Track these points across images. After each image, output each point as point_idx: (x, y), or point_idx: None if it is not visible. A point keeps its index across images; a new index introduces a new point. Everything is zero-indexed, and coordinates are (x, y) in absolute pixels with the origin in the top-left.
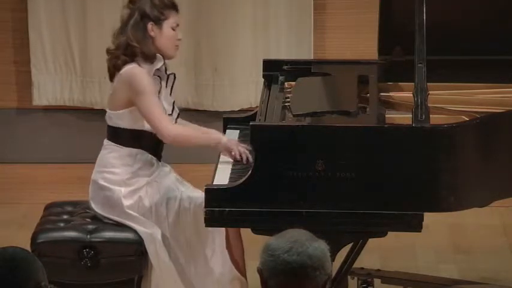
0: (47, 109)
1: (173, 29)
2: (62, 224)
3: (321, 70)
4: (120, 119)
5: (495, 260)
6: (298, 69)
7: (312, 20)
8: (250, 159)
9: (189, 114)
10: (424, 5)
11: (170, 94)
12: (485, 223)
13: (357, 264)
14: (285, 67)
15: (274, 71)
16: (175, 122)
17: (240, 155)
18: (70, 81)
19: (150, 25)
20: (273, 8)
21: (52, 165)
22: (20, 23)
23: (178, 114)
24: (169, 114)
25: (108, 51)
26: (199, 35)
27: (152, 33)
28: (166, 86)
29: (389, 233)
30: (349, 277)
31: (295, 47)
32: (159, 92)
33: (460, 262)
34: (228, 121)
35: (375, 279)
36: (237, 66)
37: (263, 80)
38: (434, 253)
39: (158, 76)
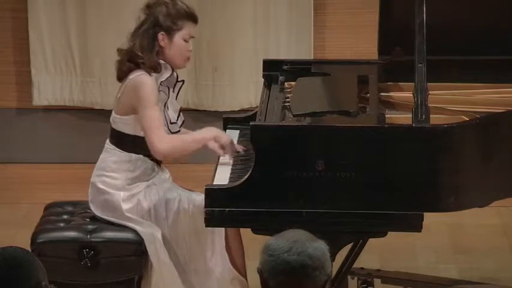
0: (47, 109)
1: (185, 40)
2: (62, 224)
3: (321, 70)
4: (125, 124)
5: (495, 260)
6: (298, 69)
7: (312, 20)
8: (239, 148)
9: (189, 114)
10: (424, 5)
11: (176, 98)
12: (485, 223)
13: (357, 264)
14: (285, 67)
15: (274, 71)
16: (179, 131)
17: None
18: (70, 81)
19: (160, 35)
20: (273, 7)
21: (52, 165)
22: (20, 23)
23: (183, 121)
24: (174, 122)
25: (118, 51)
26: (199, 35)
27: (162, 43)
28: (173, 91)
29: (389, 233)
30: (349, 277)
31: (295, 47)
32: (166, 101)
33: (460, 262)
34: (228, 121)
35: (375, 279)
36: (237, 66)
37: (263, 80)
38: (434, 253)
39: (167, 86)
